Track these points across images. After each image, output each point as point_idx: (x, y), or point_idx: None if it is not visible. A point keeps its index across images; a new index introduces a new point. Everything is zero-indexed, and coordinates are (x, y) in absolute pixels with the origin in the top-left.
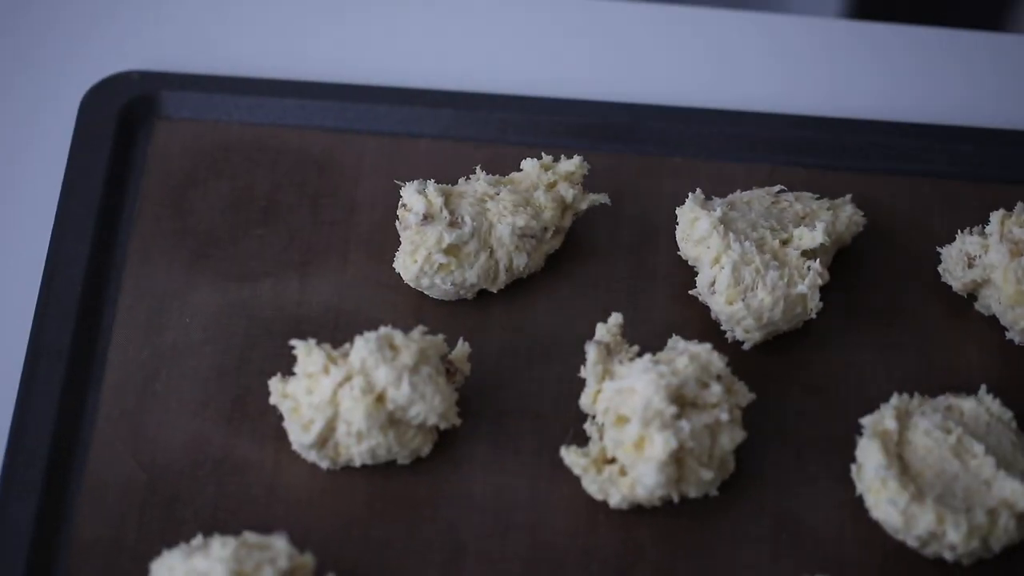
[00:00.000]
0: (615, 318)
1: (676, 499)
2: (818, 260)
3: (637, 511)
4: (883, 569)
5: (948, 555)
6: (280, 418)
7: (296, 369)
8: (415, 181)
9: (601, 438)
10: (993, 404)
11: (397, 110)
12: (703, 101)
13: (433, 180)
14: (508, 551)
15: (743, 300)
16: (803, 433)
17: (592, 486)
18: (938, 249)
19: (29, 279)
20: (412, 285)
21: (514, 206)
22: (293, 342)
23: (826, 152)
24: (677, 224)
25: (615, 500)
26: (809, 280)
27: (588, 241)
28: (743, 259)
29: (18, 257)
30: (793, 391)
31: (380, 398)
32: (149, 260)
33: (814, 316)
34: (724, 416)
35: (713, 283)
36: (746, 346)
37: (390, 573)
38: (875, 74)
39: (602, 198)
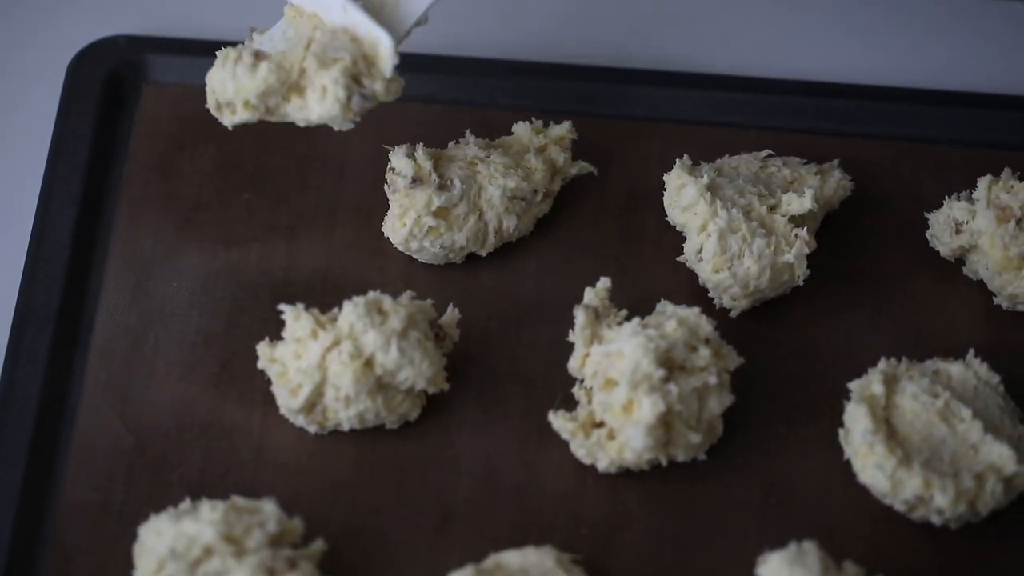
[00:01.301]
0: (603, 282)
1: (664, 463)
2: (806, 226)
3: (625, 475)
4: (870, 533)
5: (935, 519)
6: (268, 382)
7: (284, 334)
8: (404, 145)
9: (589, 402)
10: (981, 368)
11: None
12: (691, 66)
13: (422, 144)
14: (496, 515)
15: (730, 268)
16: (791, 398)
17: (580, 450)
18: (926, 215)
19: (16, 243)
20: (401, 249)
21: (505, 168)
22: (281, 307)
23: (814, 117)
24: (665, 190)
25: (603, 464)
26: (796, 249)
27: (577, 206)
28: (730, 227)
29: (5, 221)
30: (781, 356)
31: (368, 363)
32: (137, 225)
33: (801, 283)
34: (712, 380)
35: (700, 250)
36: (733, 314)
37: (378, 537)
38: (863, 39)
39: (590, 167)
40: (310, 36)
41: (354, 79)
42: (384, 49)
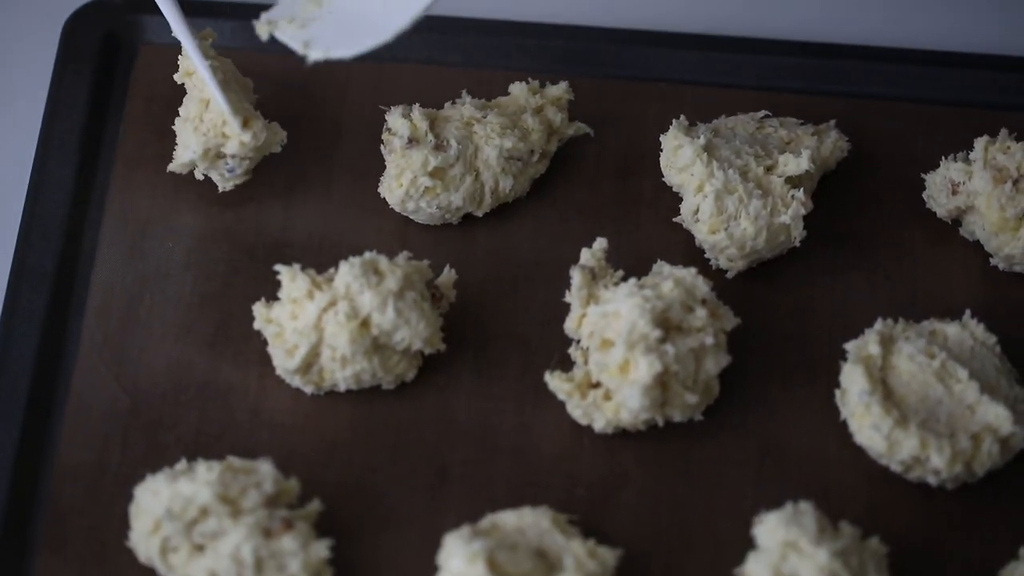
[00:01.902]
0: (600, 243)
1: (661, 423)
2: (802, 187)
3: (622, 435)
4: (867, 493)
5: (932, 479)
6: (264, 343)
7: (280, 294)
8: (400, 105)
9: (586, 362)
10: (977, 329)
11: None
12: (688, 26)
13: (418, 105)
14: (493, 476)
15: (726, 229)
16: (788, 358)
17: (577, 411)
18: (922, 175)
19: (12, 203)
20: (397, 209)
21: (501, 129)
22: (277, 267)
23: (811, 77)
24: (661, 151)
25: (600, 424)
26: (792, 210)
27: (573, 166)
28: (726, 188)
29: (1, 182)
30: (778, 316)
31: (365, 323)
32: (132, 185)
33: (798, 244)
34: (709, 340)
35: (696, 211)
36: (729, 274)
37: (374, 498)
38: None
39: (586, 128)
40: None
41: (216, 156)
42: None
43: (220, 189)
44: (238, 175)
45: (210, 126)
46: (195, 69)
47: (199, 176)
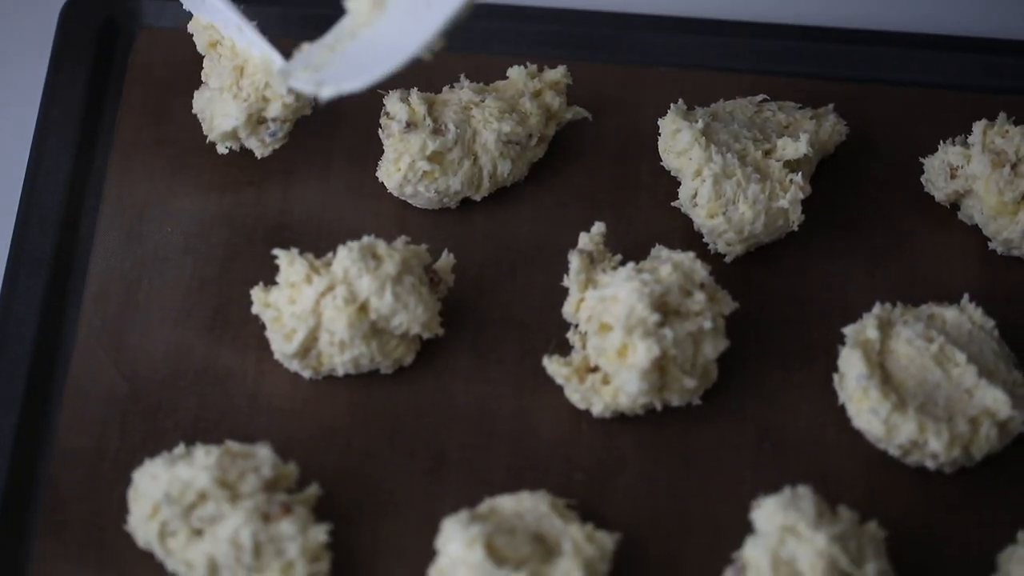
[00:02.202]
0: (598, 227)
1: (659, 407)
2: (801, 171)
3: (620, 420)
4: (865, 477)
5: (930, 463)
6: (262, 327)
7: (278, 278)
8: (398, 89)
9: (584, 347)
10: (975, 313)
11: None
12: (687, 10)
13: (416, 89)
14: (491, 460)
15: (724, 214)
16: (786, 342)
17: (575, 395)
18: (921, 159)
19: (10, 189)
20: (395, 194)
21: (500, 112)
22: (275, 251)
23: (809, 61)
24: (660, 135)
25: (598, 409)
26: (790, 195)
27: (571, 150)
28: (724, 172)
29: None
30: (776, 301)
31: (363, 308)
32: (131, 170)
33: (796, 228)
34: (707, 324)
35: (695, 196)
36: (728, 259)
37: (372, 482)
38: None
39: (584, 112)
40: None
41: (258, 121)
42: (275, 69)
43: (259, 156)
44: (279, 138)
45: (250, 91)
46: (222, 37)
47: (230, 148)
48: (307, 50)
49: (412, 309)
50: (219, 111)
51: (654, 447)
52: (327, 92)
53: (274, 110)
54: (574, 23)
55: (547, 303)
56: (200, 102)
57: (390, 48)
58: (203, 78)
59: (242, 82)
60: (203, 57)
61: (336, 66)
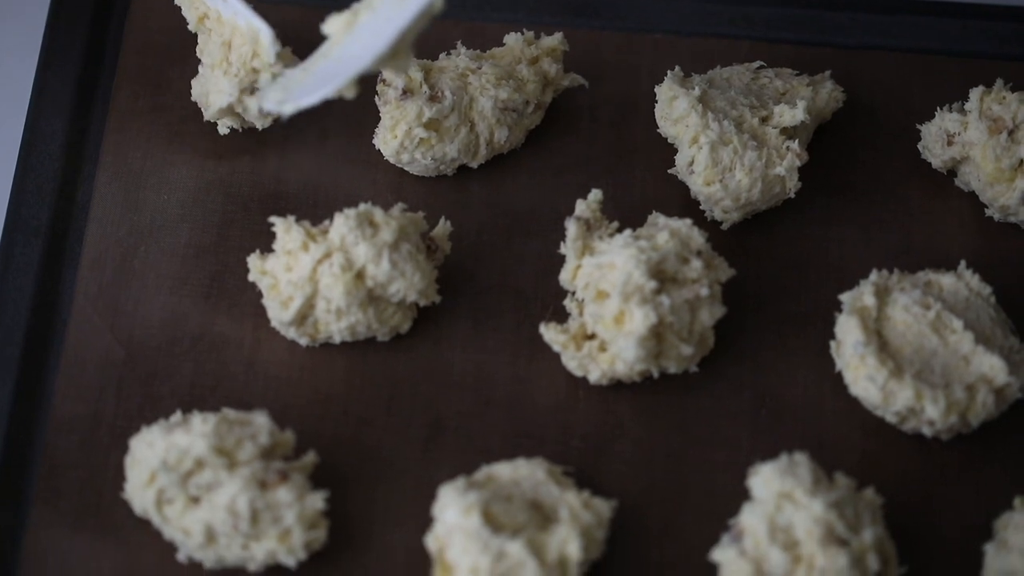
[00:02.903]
0: (595, 194)
1: (656, 374)
2: (797, 138)
3: (617, 387)
4: (862, 445)
5: (927, 430)
6: (259, 295)
7: (275, 246)
8: None
9: (581, 314)
10: (973, 279)
11: None
12: None
13: (413, 55)
14: (487, 427)
15: (721, 181)
16: (783, 309)
17: (572, 362)
18: (918, 126)
19: (6, 156)
20: (392, 161)
21: (496, 79)
22: (272, 219)
23: (806, 27)
24: (656, 102)
25: (595, 376)
26: (787, 162)
27: (568, 118)
28: (721, 139)
29: None
30: (773, 268)
31: (360, 275)
32: (127, 137)
33: (793, 196)
34: (704, 291)
35: (691, 163)
36: (724, 226)
37: (369, 450)
38: None
39: (581, 79)
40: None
41: (251, 92)
42: (264, 38)
43: (260, 127)
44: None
45: (239, 65)
46: (208, 8)
47: (230, 128)
48: (287, 74)
49: (409, 276)
50: (213, 89)
51: (651, 414)
52: (288, 109)
53: (264, 80)
54: None
55: (544, 270)
56: (197, 87)
57: (349, 63)
58: (198, 55)
59: (231, 56)
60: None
61: (305, 84)
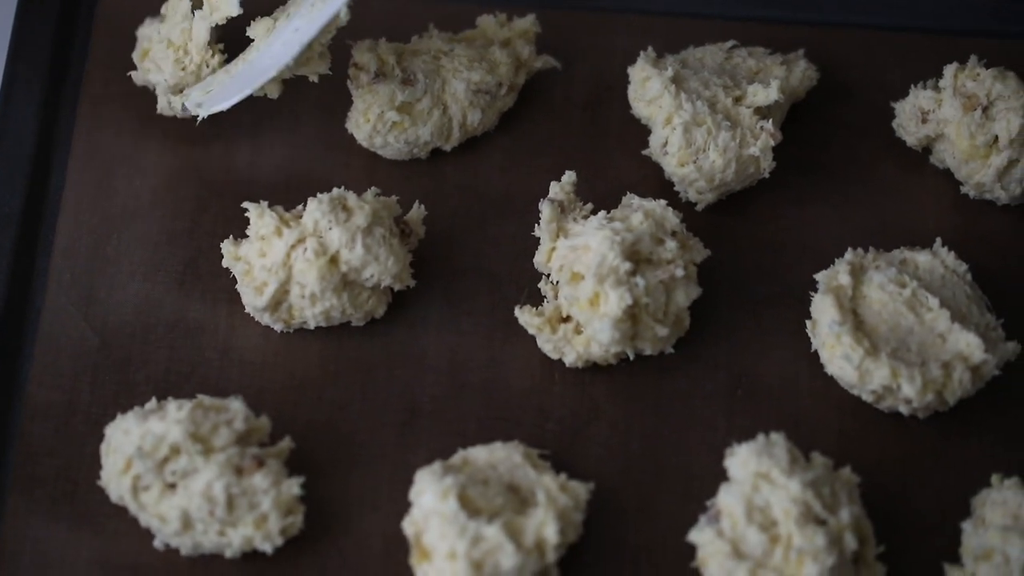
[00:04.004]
0: (568, 176)
1: (631, 356)
2: (771, 118)
3: (592, 369)
4: (838, 424)
5: (903, 409)
6: (233, 281)
7: (248, 232)
8: (366, 39)
9: (555, 296)
10: (948, 257)
11: None
12: None
13: (385, 38)
14: (463, 411)
15: (695, 162)
16: (758, 290)
17: (547, 345)
18: (892, 104)
19: None
20: (365, 145)
21: (469, 62)
22: (245, 204)
23: (779, 5)
24: (630, 83)
25: (570, 359)
26: (761, 142)
27: (541, 100)
28: (695, 120)
29: None
30: (748, 248)
31: (333, 260)
32: (98, 124)
33: (767, 176)
34: (679, 272)
35: (665, 144)
36: (699, 207)
37: (345, 435)
38: None
39: (554, 62)
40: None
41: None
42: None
43: (198, 120)
44: (188, 113)
45: (191, 61)
46: None
47: (160, 106)
48: (211, 78)
49: (383, 261)
50: (158, 58)
51: (627, 396)
52: (203, 112)
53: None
54: None
55: (518, 253)
56: (150, 48)
57: (260, 70)
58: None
59: (189, 45)
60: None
61: (223, 87)
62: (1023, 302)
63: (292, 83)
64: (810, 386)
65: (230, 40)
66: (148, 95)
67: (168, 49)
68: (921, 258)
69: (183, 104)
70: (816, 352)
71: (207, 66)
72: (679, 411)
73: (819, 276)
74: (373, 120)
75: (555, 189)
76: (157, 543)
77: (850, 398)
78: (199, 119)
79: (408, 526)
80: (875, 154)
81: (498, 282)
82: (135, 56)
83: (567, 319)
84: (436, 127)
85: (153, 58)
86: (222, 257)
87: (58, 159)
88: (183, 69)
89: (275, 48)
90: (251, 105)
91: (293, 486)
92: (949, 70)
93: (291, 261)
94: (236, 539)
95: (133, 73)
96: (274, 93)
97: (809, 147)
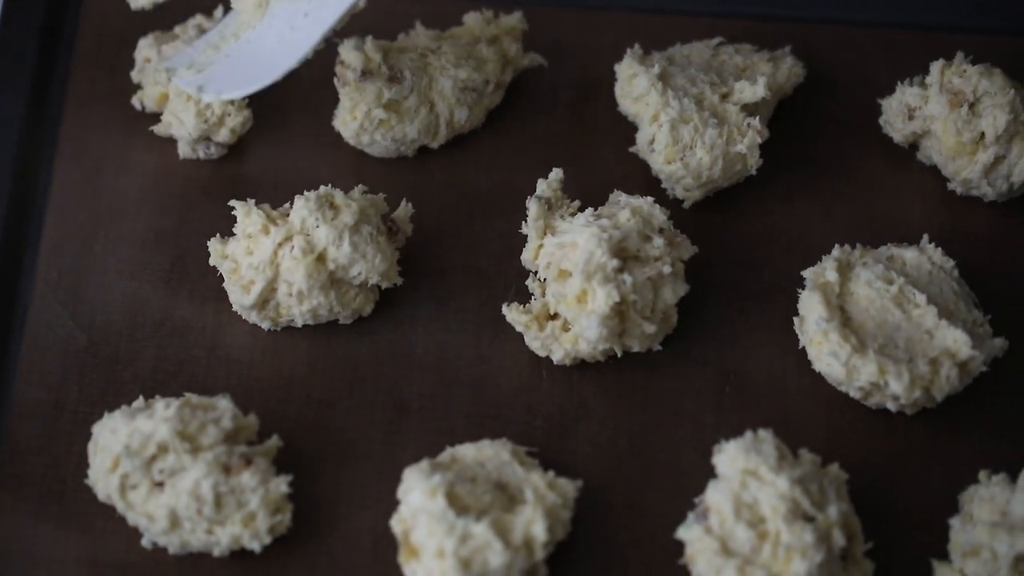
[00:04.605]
0: (556, 173)
1: (619, 353)
2: (758, 115)
3: (580, 366)
4: (826, 420)
5: (891, 405)
6: (220, 279)
7: (236, 230)
8: (353, 37)
9: (543, 294)
10: (935, 253)
11: None
12: None
13: (371, 36)
14: (451, 409)
15: (682, 159)
16: (746, 287)
17: (535, 342)
18: (879, 100)
19: None
20: (352, 143)
21: (456, 59)
22: (232, 202)
23: (766, 2)
24: (616, 80)
25: (558, 356)
26: (748, 139)
27: (528, 97)
28: (682, 117)
29: None
30: (735, 245)
31: (321, 258)
32: (85, 122)
33: (754, 173)
34: (667, 269)
35: (652, 141)
36: (686, 204)
37: (333, 433)
38: None
39: (540, 59)
40: None
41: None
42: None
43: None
44: (213, 156)
45: (212, 113)
46: None
47: (182, 152)
48: (192, 47)
49: (370, 259)
50: (174, 111)
51: (615, 393)
52: (208, 97)
53: (223, 135)
54: None
55: (506, 251)
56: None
57: (269, 57)
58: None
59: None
60: (153, 8)
61: (219, 67)
62: (1010, 298)
63: (279, 81)
64: (798, 383)
65: None
66: (133, 93)
67: (188, 102)
68: (908, 255)
69: (171, 78)
70: (804, 349)
71: (229, 115)
72: (667, 408)
73: (806, 273)
74: (360, 118)
75: (542, 186)
76: (145, 542)
77: (838, 395)
78: (202, 102)
79: (396, 524)
80: (862, 151)
81: (486, 280)
82: (133, 75)
83: (555, 316)
84: (423, 125)
85: (173, 111)
86: (209, 255)
87: (45, 158)
88: (206, 122)
89: (282, 30)
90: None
91: (281, 484)
92: (936, 67)
93: (278, 259)
94: (224, 538)
95: (155, 127)
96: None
97: (796, 144)
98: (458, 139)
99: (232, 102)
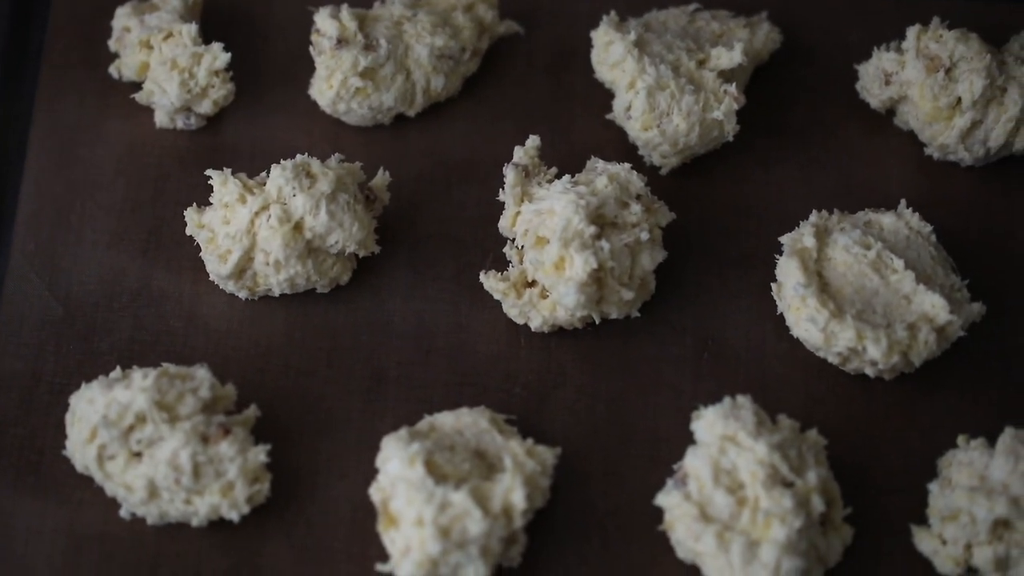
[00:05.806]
0: (532, 140)
1: (597, 320)
2: (735, 81)
3: (559, 334)
4: (805, 386)
5: (869, 371)
6: (197, 249)
7: (212, 199)
8: (328, 6)
9: (521, 261)
10: (913, 218)
11: None
12: None
13: (347, 4)
14: (429, 377)
15: (658, 126)
16: (724, 253)
17: (513, 310)
18: (855, 66)
19: None
20: (328, 111)
21: (432, 27)
22: (208, 172)
23: None
24: (593, 47)
25: (536, 323)
26: (725, 105)
27: (505, 64)
28: (658, 84)
29: None
30: (713, 211)
31: (298, 227)
32: (60, 92)
33: (731, 139)
34: (644, 236)
35: (629, 108)
36: (663, 171)
37: (311, 402)
38: None
39: (517, 26)
40: None
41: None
42: None
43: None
44: (191, 126)
45: (196, 84)
46: None
47: (159, 122)
48: None
49: (347, 227)
50: (156, 79)
51: (593, 360)
52: None
53: (205, 107)
54: None
55: (483, 218)
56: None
57: None
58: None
59: (195, 69)
60: None
61: None
62: (987, 263)
63: (254, 50)
64: (776, 349)
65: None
66: (109, 62)
67: (172, 71)
68: (886, 220)
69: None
70: (782, 315)
71: (213, 87)
72: (645, 375)
73: (784, 239)
74: (336, 86)
75: (519, 154)
76: (123, 512)
77: (816, 360)
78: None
79: (375, 493)
80: (839, 116)
81: (463, 247)
82: (111, 43)
83: (532, 284)
84: (399, 93)
85: (156, 80)
86: (186, 225)
87: (19, 128)
88: (189, 92)
89: None
90: None
91: (259, 454)
92: (912, 32)
93: (255, 228)
94: (202, 507)
95: (136, 95)
96: None
97: (773, 110)
98: (435, 107)
99: (216, 74)
